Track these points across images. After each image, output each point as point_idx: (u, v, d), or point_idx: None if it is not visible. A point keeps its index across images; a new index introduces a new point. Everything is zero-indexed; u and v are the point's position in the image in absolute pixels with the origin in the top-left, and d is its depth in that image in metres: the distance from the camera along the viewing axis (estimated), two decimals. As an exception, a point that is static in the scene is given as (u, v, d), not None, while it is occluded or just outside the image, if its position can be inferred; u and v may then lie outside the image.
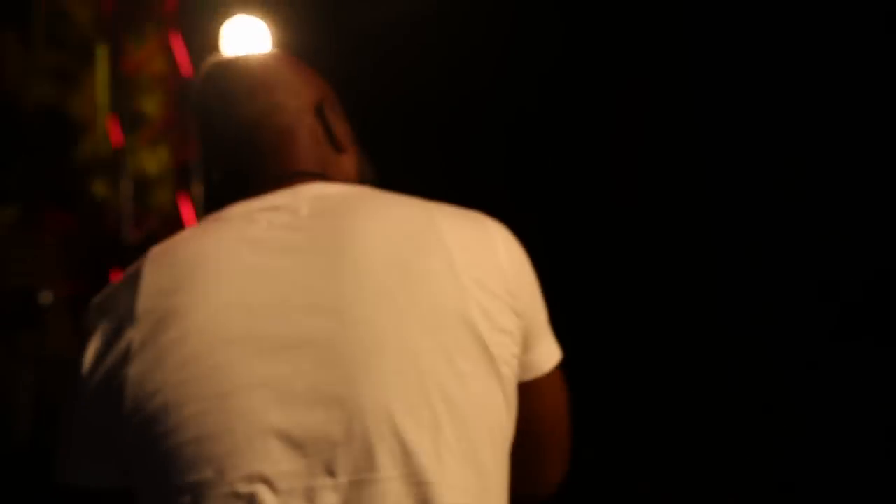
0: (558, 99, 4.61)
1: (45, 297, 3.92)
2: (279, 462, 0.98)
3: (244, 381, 1.00)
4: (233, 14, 4.56)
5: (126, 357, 1.02)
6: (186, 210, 4.78)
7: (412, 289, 1.04)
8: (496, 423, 1.06)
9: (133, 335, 1.03)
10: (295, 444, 0.99)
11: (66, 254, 4.27)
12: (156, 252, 1.09)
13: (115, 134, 4.85)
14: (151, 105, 4.96)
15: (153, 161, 4.94)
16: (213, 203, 1.20)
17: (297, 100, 1.22)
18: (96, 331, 1.06)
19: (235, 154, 1.19)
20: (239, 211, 1.11)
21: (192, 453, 0.98)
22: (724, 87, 4.25)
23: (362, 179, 1.25)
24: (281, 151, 1.18)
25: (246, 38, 4.53)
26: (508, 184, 4.23)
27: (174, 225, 4.41)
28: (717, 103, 4.27)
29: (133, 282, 1.07)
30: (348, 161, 1.24)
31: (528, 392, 1.14)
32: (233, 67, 1.24)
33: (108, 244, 4.53)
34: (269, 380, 1.00)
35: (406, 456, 0.99)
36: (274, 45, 1.27)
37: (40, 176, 4.26)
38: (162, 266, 1.07)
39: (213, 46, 4.58)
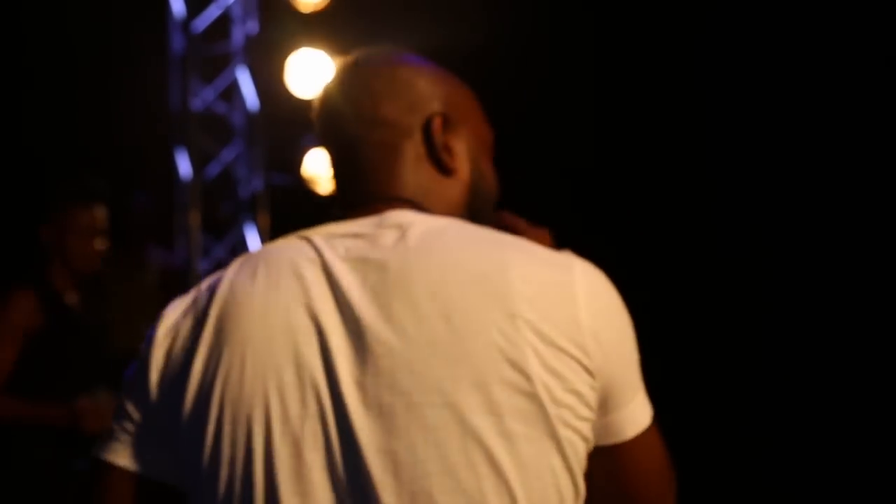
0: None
1: None
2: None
3: (278, 414, 1.01)
4: (298, 48, 4.64)
5: (193, 360, 1.05)
6: (255, 244, 4.85)
7: (467, 340, 0.99)
8: (552, 487, 1.01)
9: (202, 338, 1.05)
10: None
11: (168, 291, 4.23)
12: (241, 260, 1.10)
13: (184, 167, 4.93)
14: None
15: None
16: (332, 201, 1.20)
17: (411, 115, 1.15)
18: (178, 326, 1.08)
19: (339, 165, 1.18)
20: (322, 233, 1.10)
21: (214, 470, 1.02)
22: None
23: (477, 202, 1.19)
24: (378, 172, 1.14)
25: (311, 71, 4.61)
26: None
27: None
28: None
29: (215, 284, 1.09)
30: (455, 185, 1.16)
31: (611, 456, 1.07)
32: (358, 70, 1.19)
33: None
34: (309, 418, 1.01)
35: None
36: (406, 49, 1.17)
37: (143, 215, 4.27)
38: (239, 274, 1.08)
39: (279, 81, 4.67)
